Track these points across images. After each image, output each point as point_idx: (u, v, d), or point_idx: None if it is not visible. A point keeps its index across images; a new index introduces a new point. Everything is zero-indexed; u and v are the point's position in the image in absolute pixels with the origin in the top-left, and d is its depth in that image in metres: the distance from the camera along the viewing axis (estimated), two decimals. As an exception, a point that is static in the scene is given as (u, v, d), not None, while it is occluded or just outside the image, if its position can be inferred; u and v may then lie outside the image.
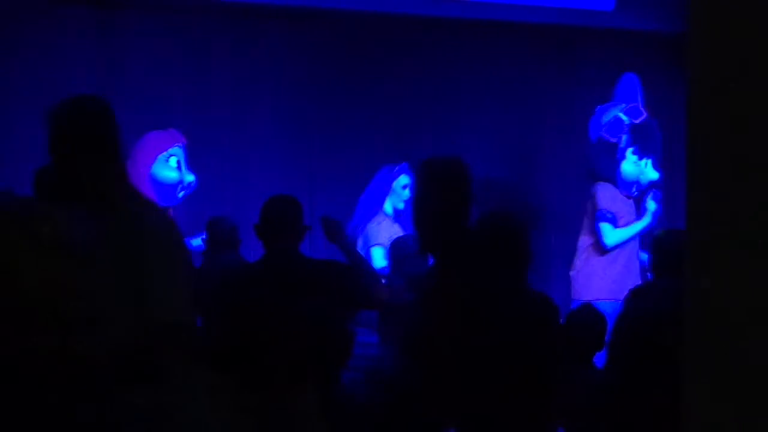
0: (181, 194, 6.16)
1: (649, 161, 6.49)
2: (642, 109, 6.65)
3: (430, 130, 7.22)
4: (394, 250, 5.42)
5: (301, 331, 3.47)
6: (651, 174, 6.49)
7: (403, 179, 6.21)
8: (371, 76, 7.26)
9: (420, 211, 3.46)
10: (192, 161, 6.21)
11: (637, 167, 6.48)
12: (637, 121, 6.55)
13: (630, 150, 6.47)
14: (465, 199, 3.38)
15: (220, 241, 5.30)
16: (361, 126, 7.28)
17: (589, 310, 4.41)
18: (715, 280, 1.20)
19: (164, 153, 6.09)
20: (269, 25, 7.15)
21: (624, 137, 6.52)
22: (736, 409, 1.19)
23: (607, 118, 6.59)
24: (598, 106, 6.73)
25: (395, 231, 5.96)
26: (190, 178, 6.15)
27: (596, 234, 6.36)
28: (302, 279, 4.07)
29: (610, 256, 6.30)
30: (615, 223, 6.35)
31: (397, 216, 6.21)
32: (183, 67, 7.01)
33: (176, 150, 6.14)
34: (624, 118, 6.54)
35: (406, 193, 6.12)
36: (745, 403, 1.17)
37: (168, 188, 6.08)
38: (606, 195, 6.44)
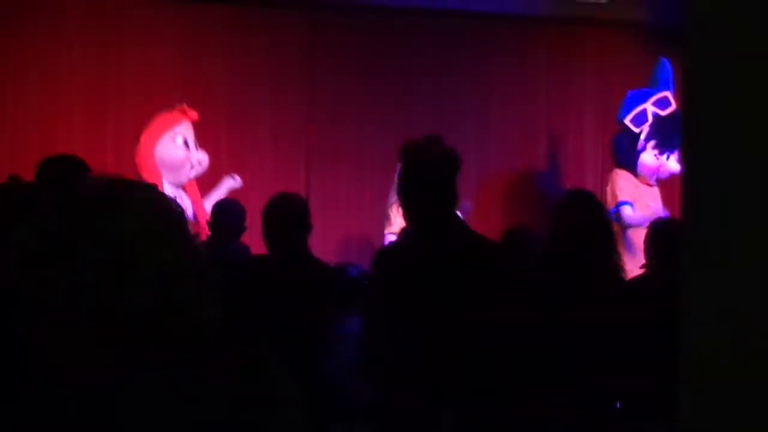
0: (192, 174, 6.07)
1: (672, 155, 6.50)
2: (672, 99, 6.61)
3: (426, 121, 7.22)
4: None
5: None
6: (672, 166, 6.52)
7: None
8: (366, 67, 7.26)
9: (405, 191, 3.37)
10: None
11: (656, 160, 6.53)
12: (663, 113, 6.55)
13: (650, 143, 6.50)
14: (448, 177, 3.30)
15: (225, 227, 4.98)
16: (356, 116, 7.28)
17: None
18: (709, 277, 1.21)
19: (169, 131, 6.03)
20: (266, 16, 7.14)
21: (645, 129, 6.54)
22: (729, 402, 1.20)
23: (634, 108, 6.60)
24: (630, 91, 6.73)
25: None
26: (199, 156, 6.08)
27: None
28: (301, 277, 4.07)
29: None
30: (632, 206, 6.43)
31: None
32: (181, 57, 7.01)
33: (183, 128, 6.07)
34: (651, 109, 6.55)
35: None
36: (738, 397, 1.19)
37: (176, 167, 6.01)
38: (622, 182, 6.52)
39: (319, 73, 7.20)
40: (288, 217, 4.13)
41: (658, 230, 4.36)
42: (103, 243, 1.25)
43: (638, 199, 6.49)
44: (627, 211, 6.46)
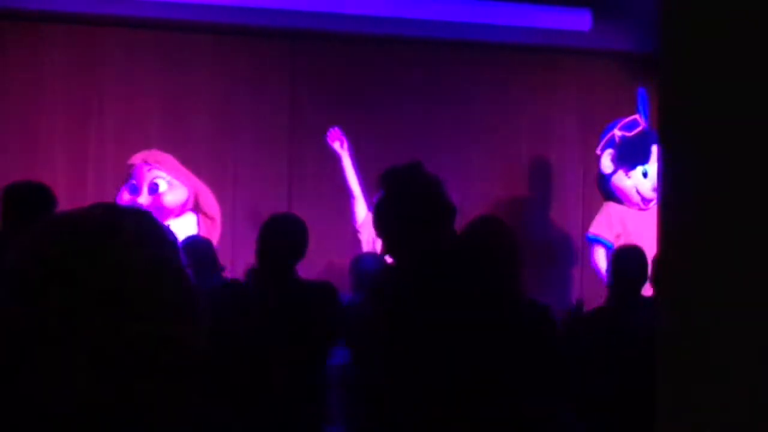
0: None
1: (641, 170, 6.32)
2: (640, 121, 6.47)
3: (409, 149, 7.24)
4: (355, 265, 5.45)
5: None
6: (643, 182, 6.31)
7: None
8: (347, 96, 7.27)
9: (383, 219, 3.30)
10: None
11: (627, 178, 6.35)
12: (630, 134, 6.41)
13: (619, 165, 6.35)
14: (431, 204, 3.26)
15: (204, 263, 4.96)
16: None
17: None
18: (684, 299, 1.22)
19: (119, 196, 6.11)
20: (248, 44, 7.20)
21: (608, 154, 6.41)
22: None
23: (605, 136, 6.53)
24: (608, 125, 6.65)
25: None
26: (149, 199, 6.06)
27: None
28: (292, 299, 4.07)
29: None
30: (608, 246, 6.21)
31: None
32: (164, 84, 7.03)
33: (131, 179, 6.12)
34: (618, 133, 6.42)
35: None
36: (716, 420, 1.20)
37: None
38: (603, 218, 6.38)
39: (300, 101, 7.23)
40: (282, 240, 4.16)
41: (615, 256, 4.39)
42: (101, 271, 1.20)
43: (627, 229, 6.28)
44: (598, 255, 6.32)
